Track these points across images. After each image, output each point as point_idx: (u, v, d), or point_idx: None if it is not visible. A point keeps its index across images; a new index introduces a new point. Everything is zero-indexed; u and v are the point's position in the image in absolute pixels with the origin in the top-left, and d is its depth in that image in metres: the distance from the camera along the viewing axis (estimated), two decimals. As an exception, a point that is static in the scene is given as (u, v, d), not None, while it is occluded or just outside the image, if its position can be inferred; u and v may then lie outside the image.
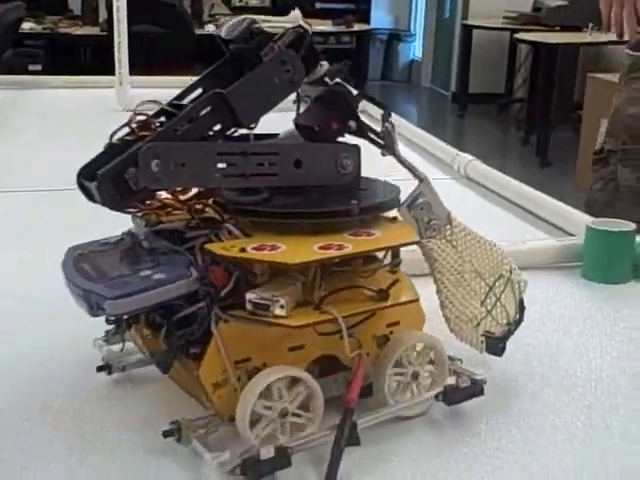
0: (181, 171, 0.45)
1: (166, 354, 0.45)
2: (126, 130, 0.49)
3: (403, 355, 0.50)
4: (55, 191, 1.01)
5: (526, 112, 4.95)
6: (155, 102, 0.50)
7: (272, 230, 0.48)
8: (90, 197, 0.48)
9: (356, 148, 0.52)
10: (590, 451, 0.49)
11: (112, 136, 0.49)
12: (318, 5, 6.06)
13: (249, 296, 0.45)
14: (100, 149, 0.49)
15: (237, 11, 5.73)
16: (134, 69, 1.56)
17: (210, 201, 0.52)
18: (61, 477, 0.46)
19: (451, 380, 0.52)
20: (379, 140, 0.53)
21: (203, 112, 0.47)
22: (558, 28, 4.59)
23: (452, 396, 0.51)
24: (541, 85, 4.58)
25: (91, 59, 4.83)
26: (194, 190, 0.54)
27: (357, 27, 5.38)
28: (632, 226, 0.77)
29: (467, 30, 5.42)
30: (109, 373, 0.56)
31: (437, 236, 0.53)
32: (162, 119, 0.50)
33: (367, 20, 5.88)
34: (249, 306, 0.45)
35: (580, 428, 0.52)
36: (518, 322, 0.56)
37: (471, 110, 5.55)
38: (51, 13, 5.02)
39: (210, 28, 4.88)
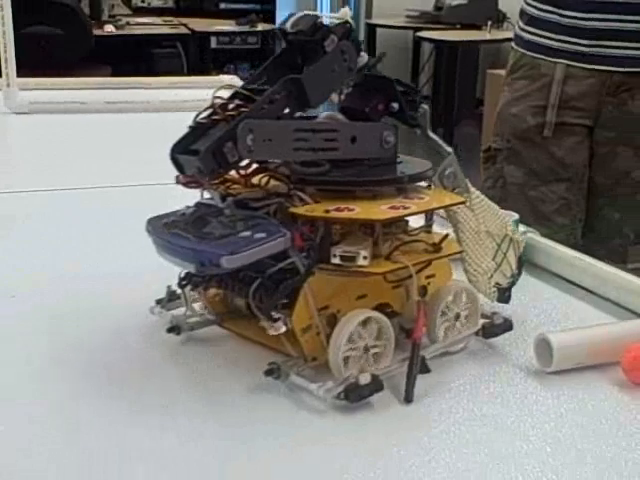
0: (268, 145, 0.52)
1: (268, 305, 0.52)
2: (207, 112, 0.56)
3: (449, 300, 0.59)
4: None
5: (431, 109, 5.14)
6: (230, 87, 0.57)
7: (334, 197, 0.56)
8: (181, 169, 0.54)
9: (395, 127, 0.61)
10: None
11: (197, 117, 0.55)
12: (222, 5, 6.07)
13: (335, 250, 0.52)
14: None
15: (138, 12, 5.67)
16: (31, 70, 1.55)
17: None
18: (189, 429, 0.52)
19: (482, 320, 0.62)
20: (412, 121, 0.62)
21: (279, 95, 0.54)
22: (459, 26, 4.83)
23: (490, 331, 0.60)
24: (444, 82, 4.79)
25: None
26: (254, 166, 0.61)
27: (262, 27, 5.45)
28: (515, 216, 0.78)
29: (371, 29, 5.58)
30: (178, 334, 0.62)
31: None
32: (236, 102, 0.57)
33: (273, 20, 5.95)
34: (335, 259, 0.52)
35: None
36: (518, 275, 0.67)
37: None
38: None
39: (109, 28, 4.82)
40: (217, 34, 5.40)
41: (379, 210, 0.53)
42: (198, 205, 0.59)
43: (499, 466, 0.48)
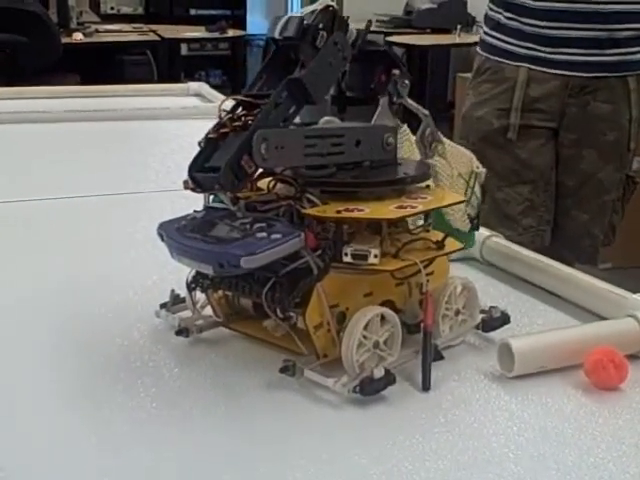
0: (281, 152, 0.54)
1: (286, 303, 0.54)
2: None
3: (450, 296, 0.62)
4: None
5: (402, 112, 5.20)
6: (234, 98, 0.59)
7: (339, 198, 0.58)
8: (200, 187, 0.56)
9: (395, 128, 0.63)
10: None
11: (208, 134, 0.57)
12: (192, 11, 6.07)
13: (347, 249, 0.54)
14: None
15: (107, 19, 5.64)
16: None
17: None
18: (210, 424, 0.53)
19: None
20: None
21: (283, 97, 0.56)
22: (429, 30, 4.89)
23: (489, 325, 0.63)
24: (415, 86, 4.85)
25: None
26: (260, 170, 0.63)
27: (232, 33, 5.46)
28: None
29: (341, 34, 5.61)
30: (187, 336, 0.63)
31: (436, 154, 0.66)
32: (240, 110, 0.58)
33: (243, 26, 5.96)
34: (347, 258, 0.54)
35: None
36: (482, 204, 0.72)
37: (350, 112, 5.75)
38: None
39: (78, 36, 4.80)
40: (187, 41, 5.40)
41: (388, 210, 0.56)
42: (207, 209, 0.60)
43: (461, 473, 0.48)
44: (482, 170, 0.73)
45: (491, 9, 1.49)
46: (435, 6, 4.85)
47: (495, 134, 1.44)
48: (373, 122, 0.66)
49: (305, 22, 0.59)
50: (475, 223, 0.71)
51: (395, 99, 0.66)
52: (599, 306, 0.69)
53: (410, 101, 0.67)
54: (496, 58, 1.45)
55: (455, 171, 0.70)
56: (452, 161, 0.69)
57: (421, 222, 0.61)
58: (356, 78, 0.64)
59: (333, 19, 0.59)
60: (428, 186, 0.64)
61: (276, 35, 0.59)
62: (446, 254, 0.60)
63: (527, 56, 1.41)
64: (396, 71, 0.63)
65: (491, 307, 0.64)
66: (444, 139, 0.68)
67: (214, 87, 1.84)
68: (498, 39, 1.46)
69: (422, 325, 0.56)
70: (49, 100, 1.64)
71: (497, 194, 1.45)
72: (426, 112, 0.66)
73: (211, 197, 0.63)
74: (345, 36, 0.60)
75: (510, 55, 1.44)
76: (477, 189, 0.72)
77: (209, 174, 0.54)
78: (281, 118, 0.56)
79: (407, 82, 0.66)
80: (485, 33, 1.50)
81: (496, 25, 1.46)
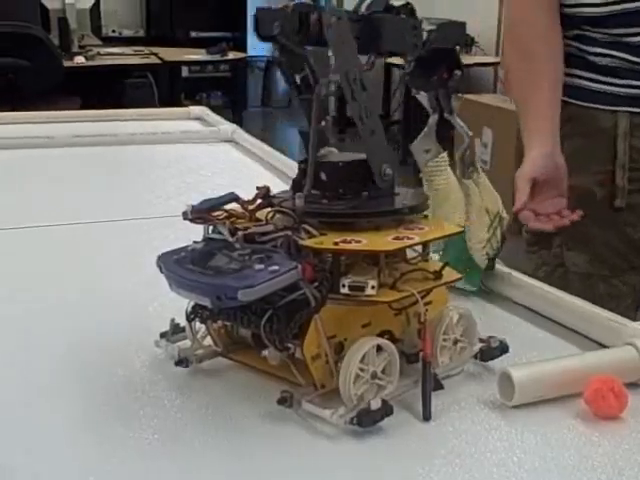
0: None
1: (284, 334, 0.54)
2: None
3: (448, 325, 0.62)
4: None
5: (403, 133, 5.22)
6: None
7: (337, 229, 0.58)
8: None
9: (393, 159, 0.64)
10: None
11: None
12: (193, 34, 6.11)
13: (344, 281, 0.54)
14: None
15: (109, 41, 5.68)
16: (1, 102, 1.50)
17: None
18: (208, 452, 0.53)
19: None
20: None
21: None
22: (428, 52, 4.92)
23: (488, 354, 0.63)
24: (414, 107, 4.87)
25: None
26: (258, 201, 0.63)
27: (232, 55, 5.49)
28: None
29: (341, 56, 5.64)
30: (186, 366, 0.64)
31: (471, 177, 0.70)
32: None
33: (244, 48, 6.00)
34: (345, 289, 0.54)
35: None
36: (500, 248, 0.76)
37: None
38: None
39: (80, 59, 4.83)
40: (188, 63, 5.44)
41: (385, 241, 0.56)
42: (207, 240, 0.61)
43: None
44: (506, 217, 0.76)
45: (574, 46, 1.11)
46: (434, 27, 4.89)
47: (599, 206, 1.08)
48: (418, 141, 0.72)
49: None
50: (492, 263, 0.73)
51: (446, 114, 0.69)
52: (598, 334, 0.69)
53: (458, 120, 0.69)
54: (583, 103, 1.10)
55: (484, 204, 0.72)
56: (484, 193, 0.72)
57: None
58: (418, 74, 0.68)
59: (413, 14, 0.64)
60: (426, 216, 0.64)
61: (363, 9, 0.62)
62: (443, 284, 0.60)
63: (627, 96, 1.07)
64: (458, 71, 0.67)
65: (489, 337, 0.64)
66: (481, 171, 0.71)
67: (214, 108, 1.85)
68: (582, 78, 1.10)
69: (421, 354, 0.56)
70: (50, 125, 1.65)
71: (601, 287, 1.10)
72: (470, 133, 0.69)
73: (210, 228, 0.63)
74: (421, 27, 0.64)
75: (604, 97, 1.08)
76: (499, 232, 0.76)
77: None
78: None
79: (458, 73, 0.69)
80: (565, 74, 1.11)
81: (579, 62, 1.11)
